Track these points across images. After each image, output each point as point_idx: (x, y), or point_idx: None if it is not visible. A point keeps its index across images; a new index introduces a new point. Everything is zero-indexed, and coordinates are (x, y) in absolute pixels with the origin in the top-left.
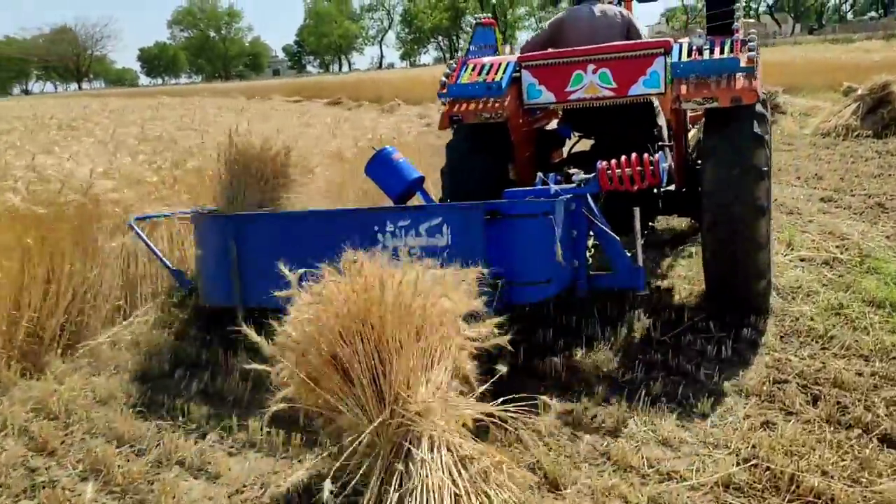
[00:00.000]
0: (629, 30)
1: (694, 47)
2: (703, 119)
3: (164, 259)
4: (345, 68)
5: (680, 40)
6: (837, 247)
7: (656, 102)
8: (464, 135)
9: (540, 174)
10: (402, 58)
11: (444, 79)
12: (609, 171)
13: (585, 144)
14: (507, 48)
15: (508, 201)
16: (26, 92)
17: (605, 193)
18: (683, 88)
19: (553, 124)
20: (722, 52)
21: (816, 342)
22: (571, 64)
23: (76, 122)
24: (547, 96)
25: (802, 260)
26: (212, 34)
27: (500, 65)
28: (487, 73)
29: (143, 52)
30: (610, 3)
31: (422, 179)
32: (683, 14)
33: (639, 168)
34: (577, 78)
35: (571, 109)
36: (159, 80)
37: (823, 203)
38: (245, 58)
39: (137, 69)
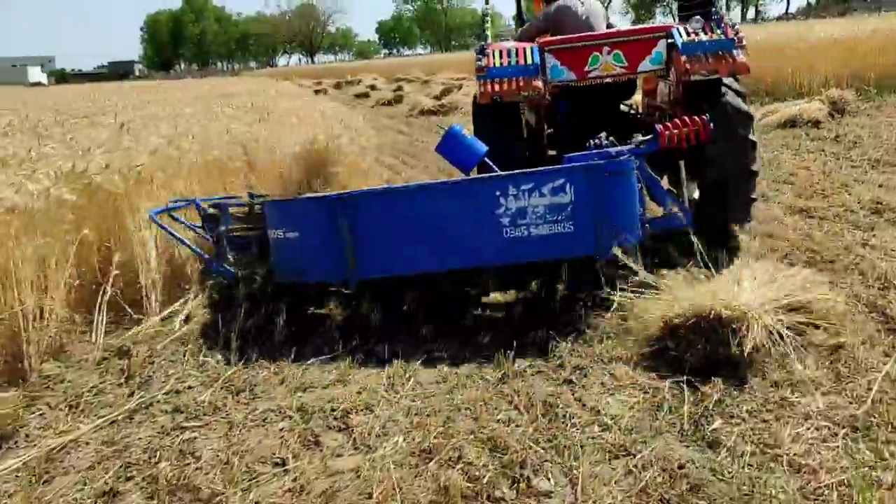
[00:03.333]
0: (608, 18)
1: (691, 30)
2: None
3: (197, 250)
4: None
5: (677, 25)
6: None
7: (639, 81)
8: (485, 115)
9: (593, 140)
10: (634, 24)
11: (480, 62)
12: (668, 132)
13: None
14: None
15: (611, 160)
16: (271, 65)
17: (662, 150)
18: (689, 64)
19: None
20: (713, 33)
21: None
22: (589, 47)
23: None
24: (569, 75)
25: None
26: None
27: (524, 49)
28: (516, 57)
29: (381, 25)
30: None
31: (488, 152)
32: None
33: (695, 128)
34: (594, 59)
35: (571, 88)
36: (395, 52)
37: None
38: (470, 28)
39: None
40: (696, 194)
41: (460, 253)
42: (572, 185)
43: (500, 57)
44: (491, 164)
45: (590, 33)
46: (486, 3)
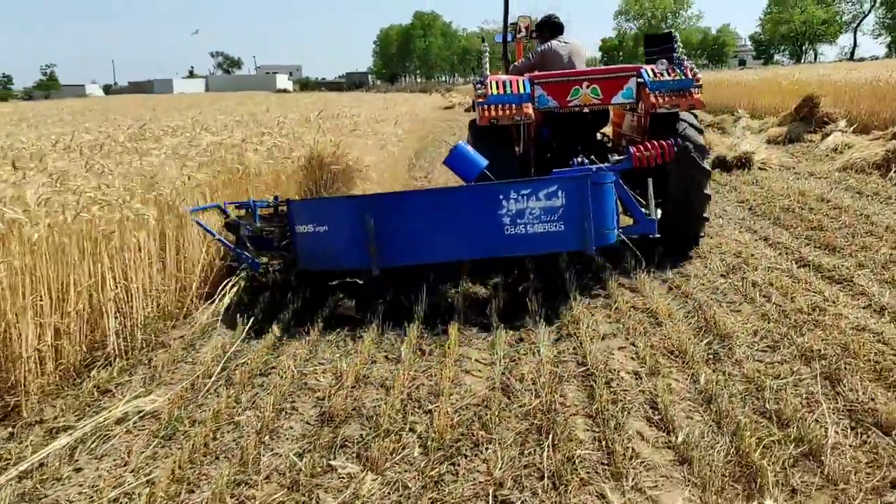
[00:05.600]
0: (585, 58)
1: (656, 71)
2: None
3: (229, 244)
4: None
5: (645, 66)
6: None
7: (611, 113)
8: (484, 135)
9: (576, 159)
10: (890, 47)
11: (479, 90)
12: (639, 154)
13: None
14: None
15: (598, 172)
16: None
17: (634, 169)
18: (655, 99)
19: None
20: (676, 74)
21: None
22: (571, 82)
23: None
24: (553, 103)
25: None
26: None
27: (518, 81)
28: (511, 87)
29: (604, 43)
30: (566, 39)
31: (487, 165)
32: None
33: (661, 150)
34: (576, 91)
35: (553, 116)
36: None
37: None
38: (688, 47)
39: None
40: (659, 214)
41: (469, 246)
42: (564, 192)
43: (498, 87)
44: (490, 175)
45: (573, 70)
46: (483, 44)
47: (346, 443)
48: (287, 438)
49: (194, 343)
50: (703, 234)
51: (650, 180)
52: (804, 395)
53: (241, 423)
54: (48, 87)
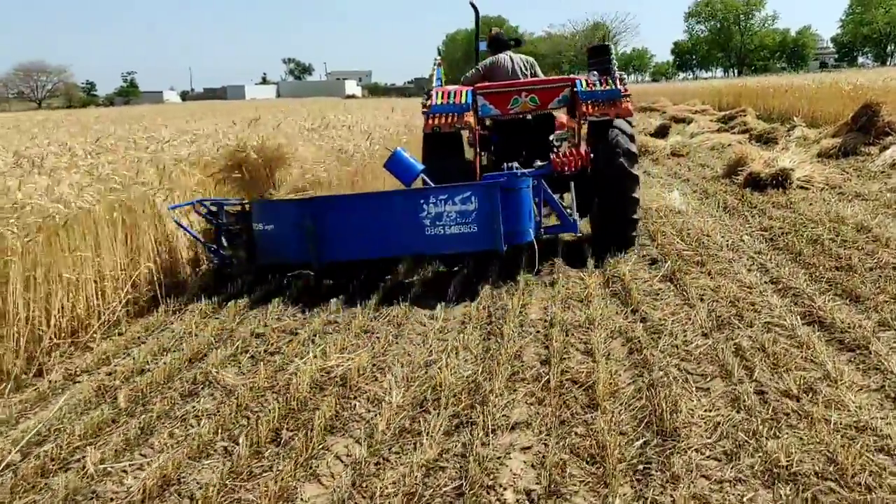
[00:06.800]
0: (535, 69)
1: (589, 81)
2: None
3: (200, 238)
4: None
5: (580, 77)
6: None
7: (556, 118)
8: (431, 141)
9: (506, 164)
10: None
11: (424, 100)
12: (558, 160)
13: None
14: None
15: (510, 179)
16: None
17: (555, 174)
18: (587, 108)
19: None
20: (607, 84)
21: None
22: (511, 92)
23: None
24: (494, 111)
25: None
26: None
27: (461, 92)
28: (454, 98)
29: (678, 46)
30: (515, 52)
31: (423, 170)
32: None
33: (579, 158)
34: (515, 100)
35: (500, 122)
36: (689, 75)
37: None
38: (763, 50)
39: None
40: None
41: (394, 245)
42: (476, 197)
43: (442, 97)
44: (427, 179)
45: (512, 81)
46: (435, 62)
47: None
48: None
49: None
50: (634, 234)
51: (572, 184)
52: None
53: None
54: (128, 93)
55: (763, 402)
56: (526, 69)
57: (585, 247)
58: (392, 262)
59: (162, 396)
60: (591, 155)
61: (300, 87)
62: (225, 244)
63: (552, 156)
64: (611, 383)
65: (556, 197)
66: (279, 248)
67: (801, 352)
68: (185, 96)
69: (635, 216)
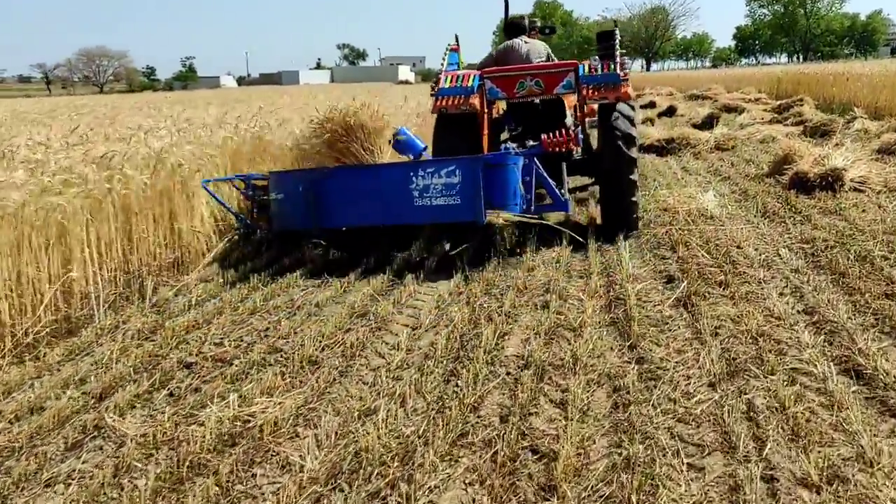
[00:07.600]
0: (549, 55)
1: (591, 66)
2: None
3: (230, 208)
4: None
5: (583, 62)
6: None
7: (566, 103)
8: (442, 122)
9: (504, 144)
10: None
11: (433, 85)
12: (549, 140)
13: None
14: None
15: (493, 155)
16: None
17: (546, 153)
18: (587, 91)
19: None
20: (608, 69)
21: None
22: (517, 76)
23: None
24: (502, 95)
25: None
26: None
27: (469, 76)
28: (461, 81)
29: (740, 31)
30: (531, 37)
31: (425, 148)
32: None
33: (568, 139)
34: (521, 84)
35: (513, 106)
36: (752, 60)
37: None
38: (830, 35)
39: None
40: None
41: (386, 214)
42: (460, 171)
43: (450, 81)
44: (428, 157)
45: (517, 65)
46: (448, 46)
47: None
48: None
49: None
50: (636, 216)
51: (564, 164)
52: None
53: None
54: (187, 78)
55: (771, 493)
56: (541, 54)
57: (594, 256)
58: (370, 271)
59: (39, 450)
60: (581, 136)
61: (354, 73)
62: (255, 214)
63: (543, 136)
64: (578, 455)
65: (567, 180)
66: (288, 215)
67: (831, 416)
68: (241, 81)
69: (634, 199)
